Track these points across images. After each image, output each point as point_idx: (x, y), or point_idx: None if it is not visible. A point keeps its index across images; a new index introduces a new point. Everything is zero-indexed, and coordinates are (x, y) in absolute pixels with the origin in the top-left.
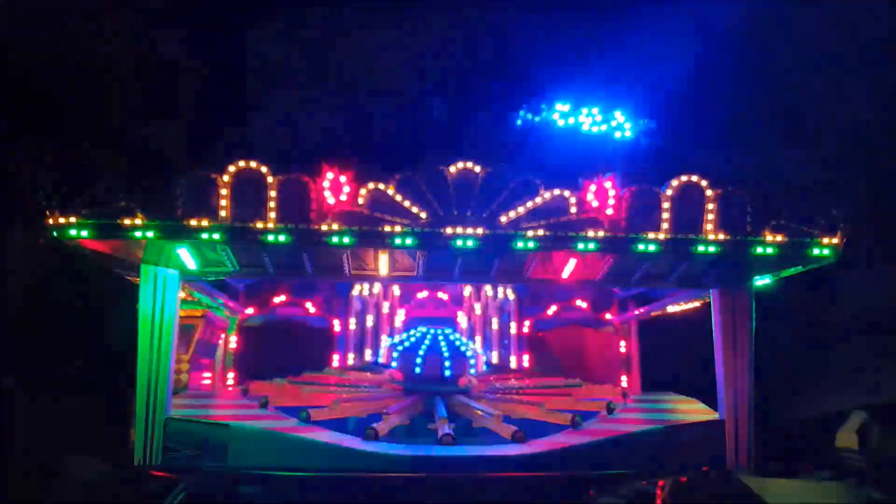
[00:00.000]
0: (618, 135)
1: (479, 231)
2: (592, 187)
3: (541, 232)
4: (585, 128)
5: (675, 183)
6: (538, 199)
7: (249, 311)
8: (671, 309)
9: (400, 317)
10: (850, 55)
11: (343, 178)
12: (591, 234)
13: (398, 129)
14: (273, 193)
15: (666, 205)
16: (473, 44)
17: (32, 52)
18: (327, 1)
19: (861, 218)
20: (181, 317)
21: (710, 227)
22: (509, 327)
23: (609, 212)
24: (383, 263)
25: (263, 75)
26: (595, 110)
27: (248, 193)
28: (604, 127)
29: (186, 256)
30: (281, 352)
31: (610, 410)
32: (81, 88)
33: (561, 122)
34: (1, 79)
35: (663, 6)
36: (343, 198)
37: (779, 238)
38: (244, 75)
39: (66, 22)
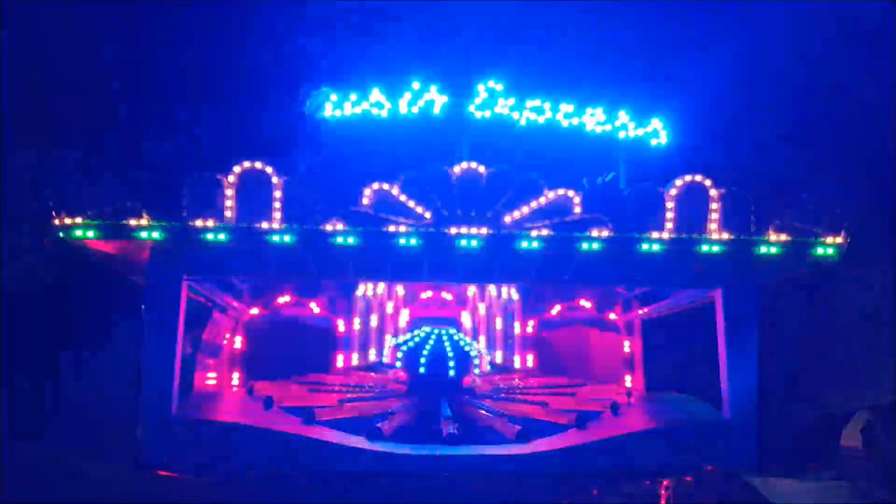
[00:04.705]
0: (622, 135)
1: (484, 231)
2: (598, 180)
3: (545, 232)
4: (589, 128)
5: (678, 182)
6: (542, 200)
7: (254, 311)
8: (675, 308)
9: (404, 317)
10: (852, 54)
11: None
12: (594, 233)
13: None
14: (278, 194)
15: (669, 204)
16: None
17: (36, 55)
18: None
19: (864, 217)
20: (186, 317)
21: (713, 226)
22: (513, 327)
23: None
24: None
25: None
26: (599, 110)
27: (254, 194)
28: (608, 127)
29: (191, 256)
30: (286, 352)
31: (614, 410)
32: (85, 90)
33: (565, 123)
34: (6, 81)
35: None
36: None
37: (783, 237)
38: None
39: (67, 25)
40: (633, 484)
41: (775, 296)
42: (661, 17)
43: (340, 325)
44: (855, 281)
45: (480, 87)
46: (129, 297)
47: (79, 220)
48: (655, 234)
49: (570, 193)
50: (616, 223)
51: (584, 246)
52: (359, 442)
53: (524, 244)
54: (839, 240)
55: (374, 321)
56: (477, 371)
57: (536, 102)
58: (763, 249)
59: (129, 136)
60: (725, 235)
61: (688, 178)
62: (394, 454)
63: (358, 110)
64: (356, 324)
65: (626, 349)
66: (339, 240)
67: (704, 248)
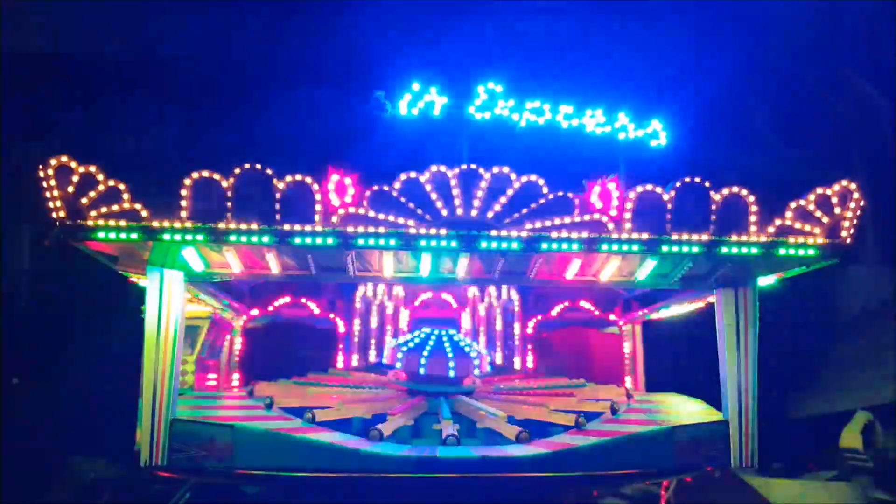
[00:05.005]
0: (622, 136)
1: (484, 232)
2: (596, 188)
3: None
4: (589, 129)
5: (678, 184)
6: (542, 201)
7: (254, 312)
8: (675, 309)
9: (404, 317)
10: (854, 54)
11: (348, 181)
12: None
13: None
14: (278, 195)
15: (669, 206)
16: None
17: (36, 52)
18: None
19: (863, 217)
20: (187, 318)
21: (713, 227)
22: (513, 328)
23: (612, 213)
24: (388, 264)
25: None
26: (598, 112)
27: (254, 195)
28: (608, 129)
29: (192, 258)
30: (286, 353)
31: (614, 411)
32: (86, 89)
33: (565, 125)
34: (6, 81)
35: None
36: (348, 199)
37: (782, 238)
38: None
39: (67, 21)
40: (633, 484)
41: (775, 296)
42: (661, 17)
43: (340, 326)
44: (855, 281)
45: (480, 89)
46: (129, 298)
47: (79, 221)
48: (655, 236)
49: (570, 195)
50: (616, 225)
51: (584, 247)
52: (358, 443)
53: (524, 245)
54: (838, 240)
55: (374, 322)
56: (477, 372)
57: (536, 104)
58: (763, 250)
59: (130, 137)
60: (725, 237)
61: (687, 179)
62: (393, 455)
63: None
64: (356, 324)
65: (626, 350)
66: (340, 241)
67: (704, 249)
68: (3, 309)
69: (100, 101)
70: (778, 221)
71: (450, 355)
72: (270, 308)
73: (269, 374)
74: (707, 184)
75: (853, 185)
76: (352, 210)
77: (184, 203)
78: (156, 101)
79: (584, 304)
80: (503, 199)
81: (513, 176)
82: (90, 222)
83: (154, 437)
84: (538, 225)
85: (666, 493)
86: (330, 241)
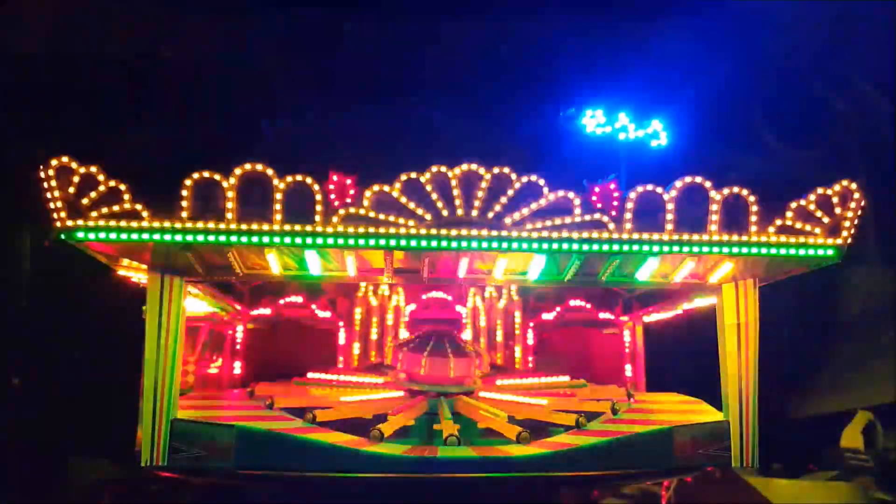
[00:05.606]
0: (622, 136)
1: (484, 233)
2: (597, 188)
3: (545, 234)
4: (589, 130)
5: (678, 184)
6: (542, 201)
7: (255, 312)
8: (675, 309)
9: (405, 317)
10: (854, 54)
11: (348, 181)
12: (595, 235)
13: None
14: (279, 196)
15: (670, 206)
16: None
17: (36, 53)
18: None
19: (863, 218)
20: (187, 318)
21: (714, 227)
22: (514, 328)
23: (613, 213)
24: (388, 264)
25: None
26: (598, 112)
27: (254, 196)
28: (608, 129)
29: (192, 258)
30: (287, 353)
31: (614, 411)
32: (87, 89)
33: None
34: (7, 80)
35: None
36: (348, 199)
37: (783, 238)
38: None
39: (70, 21)
40: (633, 484)
41: (775, 296)
42: (661, 17)
43: (341, 326)
44: (855, 281)
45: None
46: (129, 298)
47: (80, 221)
48: (656, 236)
49: (571, 195)
50: (616, 225)
51: (585, 248)
52: (358, 443)
53: (524, 245)
54: (839, 240)
55: (374, 322)
56: (477, 372)
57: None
58: (763, 250)
59: (130, 137)
60: (726, 236)
61: (688, 179)
62: (393, 455)
63: None
64: (357, 324)
65: (627, 350)
66: (340, 241)
67: (705, 249)
68: (3, 309)
69: (101, 100)
70: (779, 221)
71: (450, 355)
72: (271, 308)
73: (270, 375)
74: (707, 184)
75: (854, 185)
76: (352, 210)
77: (184, 203)
78: (157, 101)
79: (583, 304)
80: (504, 201)
81: (513, 176)
82: (90, 222)
83: (154, 438)
84: (538, 225)
85: (666, 493)
86: (330, 241)
